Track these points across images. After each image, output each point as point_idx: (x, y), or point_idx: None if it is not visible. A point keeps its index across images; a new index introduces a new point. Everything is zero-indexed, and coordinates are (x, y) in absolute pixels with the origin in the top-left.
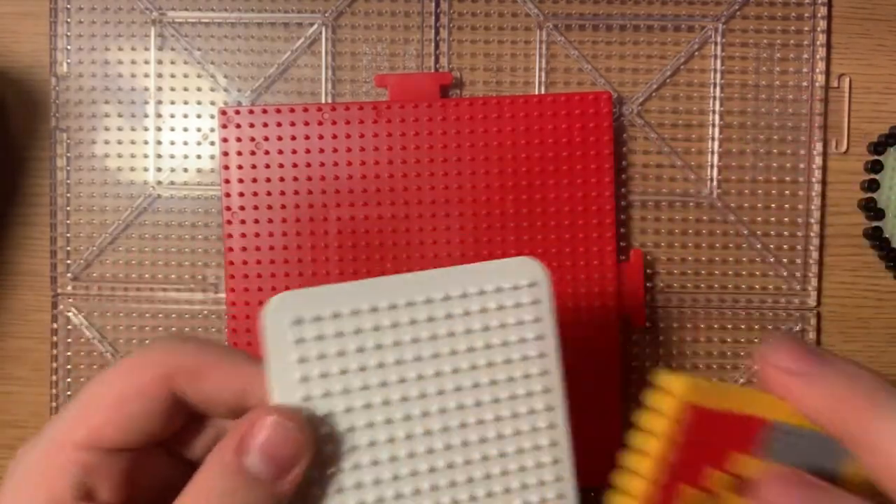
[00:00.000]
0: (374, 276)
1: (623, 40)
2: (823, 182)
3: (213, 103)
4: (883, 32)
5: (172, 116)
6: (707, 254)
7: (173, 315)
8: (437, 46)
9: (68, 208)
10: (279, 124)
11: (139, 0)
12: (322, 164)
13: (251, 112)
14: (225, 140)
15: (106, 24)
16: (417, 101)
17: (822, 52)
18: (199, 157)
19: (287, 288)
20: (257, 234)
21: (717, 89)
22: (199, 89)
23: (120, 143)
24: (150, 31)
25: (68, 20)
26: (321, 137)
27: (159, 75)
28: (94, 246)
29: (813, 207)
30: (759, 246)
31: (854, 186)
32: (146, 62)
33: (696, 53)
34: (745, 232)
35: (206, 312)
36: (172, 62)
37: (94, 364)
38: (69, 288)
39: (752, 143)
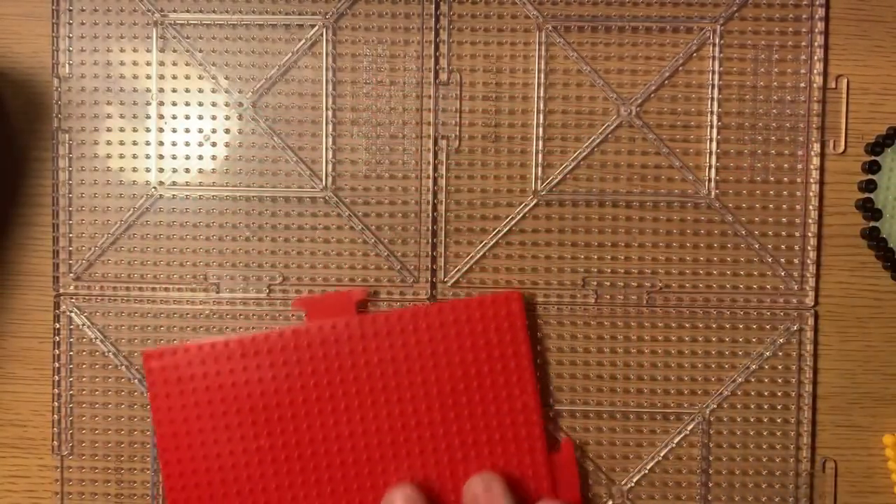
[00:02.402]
0: (311, 492)
1: (622, 42)
2: (821, 182)
3: (214, 104)
4: (880, 34)
5: (174, 117)
6: (705, 254)
7: (175, 315)
8: (437, 48)
9: (70, 209)
10: (203, 361)
11: (141, 1)
12: (249, 396)
13: (174, 353)
14: (153, 384)
15: (108, 25)
16: (335, 319)
17: (819, 54)
18: (200, 157)
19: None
20: (193, 459)
21: (716, 90)
22: (200, 90)
23: (122, 143)
24: (152, 33)
25: (70, 21)
26: (245, 369)
27: (161, 76)
28: (96, 246)
29: (811, 208)
30: (756, 246)
31: (851, 187)
32: (148, 63)
33: (695, 55)
34: (744, 232)
35: (207, 312)
36: (174, 63)
37: (96, 363)
38: (71, 288)
39: (750, 143)
